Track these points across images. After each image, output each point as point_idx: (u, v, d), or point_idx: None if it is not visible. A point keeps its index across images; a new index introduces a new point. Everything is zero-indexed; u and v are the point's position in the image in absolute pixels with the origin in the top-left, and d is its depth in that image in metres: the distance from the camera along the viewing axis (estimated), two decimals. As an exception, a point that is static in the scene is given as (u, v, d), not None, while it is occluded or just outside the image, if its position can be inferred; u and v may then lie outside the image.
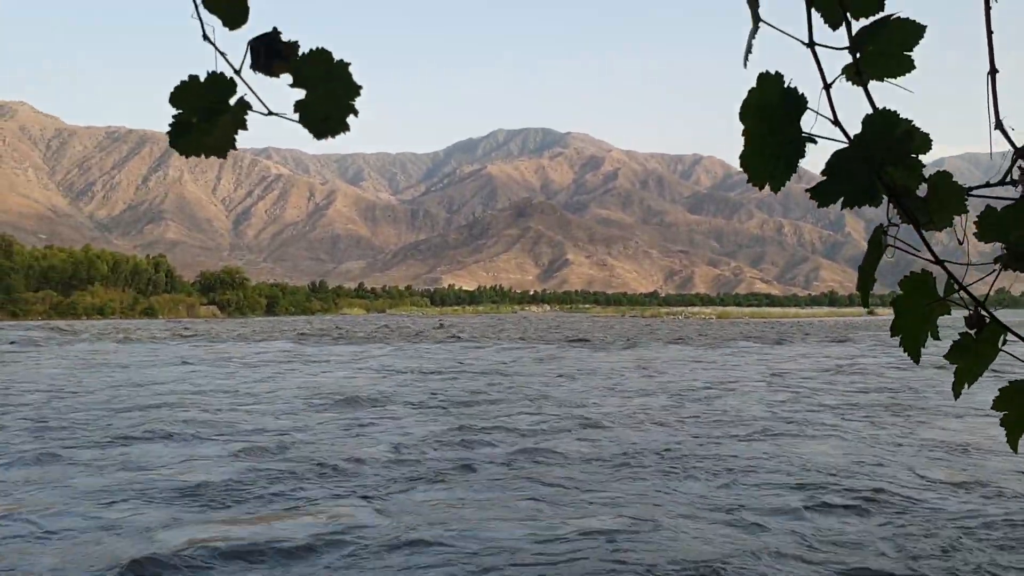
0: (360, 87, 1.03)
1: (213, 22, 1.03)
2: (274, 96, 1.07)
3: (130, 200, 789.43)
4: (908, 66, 1.25)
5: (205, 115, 0.98)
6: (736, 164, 1.28)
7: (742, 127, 1.27)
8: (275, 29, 1.00)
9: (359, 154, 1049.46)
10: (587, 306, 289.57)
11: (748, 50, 1.26)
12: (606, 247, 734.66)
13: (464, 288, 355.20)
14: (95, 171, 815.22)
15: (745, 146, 1.28)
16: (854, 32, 1.23)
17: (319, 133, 1.02)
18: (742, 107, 1.26)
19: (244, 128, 1.00)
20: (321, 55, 0.99)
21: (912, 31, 1.24)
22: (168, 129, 0.96)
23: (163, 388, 19.69)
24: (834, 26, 1.24)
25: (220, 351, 36.71)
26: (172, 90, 0.98)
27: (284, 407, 16.09)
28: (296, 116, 1.00)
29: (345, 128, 1.03)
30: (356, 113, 1.03)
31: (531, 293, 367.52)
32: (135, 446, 11.63)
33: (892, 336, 1.31)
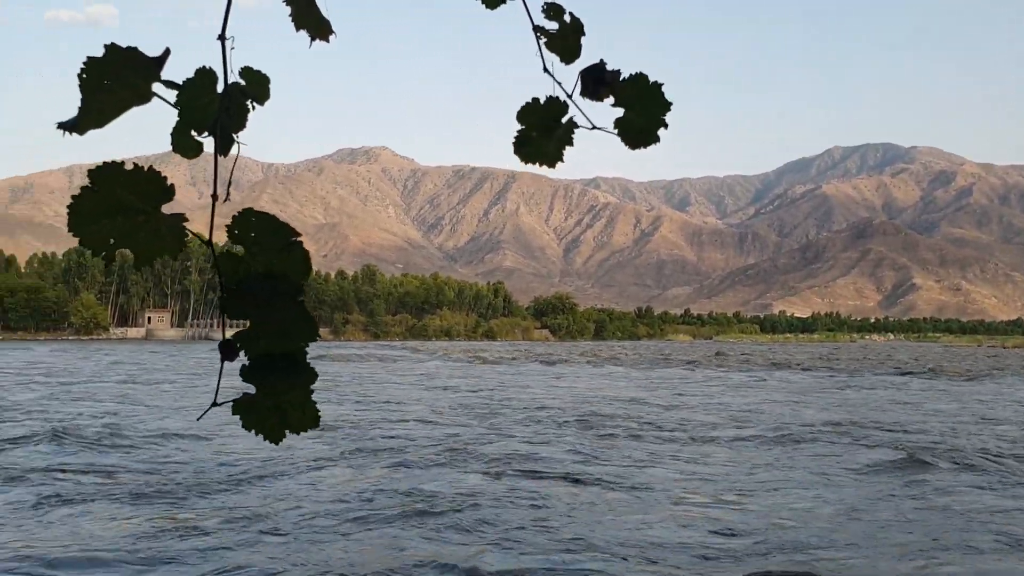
0: (671, 103, 1.19)
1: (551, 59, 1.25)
2: (596, 115, 1.27)
3: (473, 232, 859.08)
4: None
5: (543, 131, 1.19)
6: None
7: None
8: (601, 61, 1.19)
9: (685, 179, 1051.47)
10: (937, 335, 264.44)
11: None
12: (960, 270, 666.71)
13: (796, 315, 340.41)
14: (444, 206, 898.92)
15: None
16: None
17: (634, 144, 1.20)
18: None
19: (571, 144, 1.21)
20: (640, 79, 1.17)
21: None
22: (513, 139, 1.19)
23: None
24: None
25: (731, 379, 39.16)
26: (519, 109, 1.20)
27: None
28: (616, 131, 1.18)
29: (656, 140, 1.20)
30: (666, 126, 1.19)
31: (872, 321, 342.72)
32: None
33: None
